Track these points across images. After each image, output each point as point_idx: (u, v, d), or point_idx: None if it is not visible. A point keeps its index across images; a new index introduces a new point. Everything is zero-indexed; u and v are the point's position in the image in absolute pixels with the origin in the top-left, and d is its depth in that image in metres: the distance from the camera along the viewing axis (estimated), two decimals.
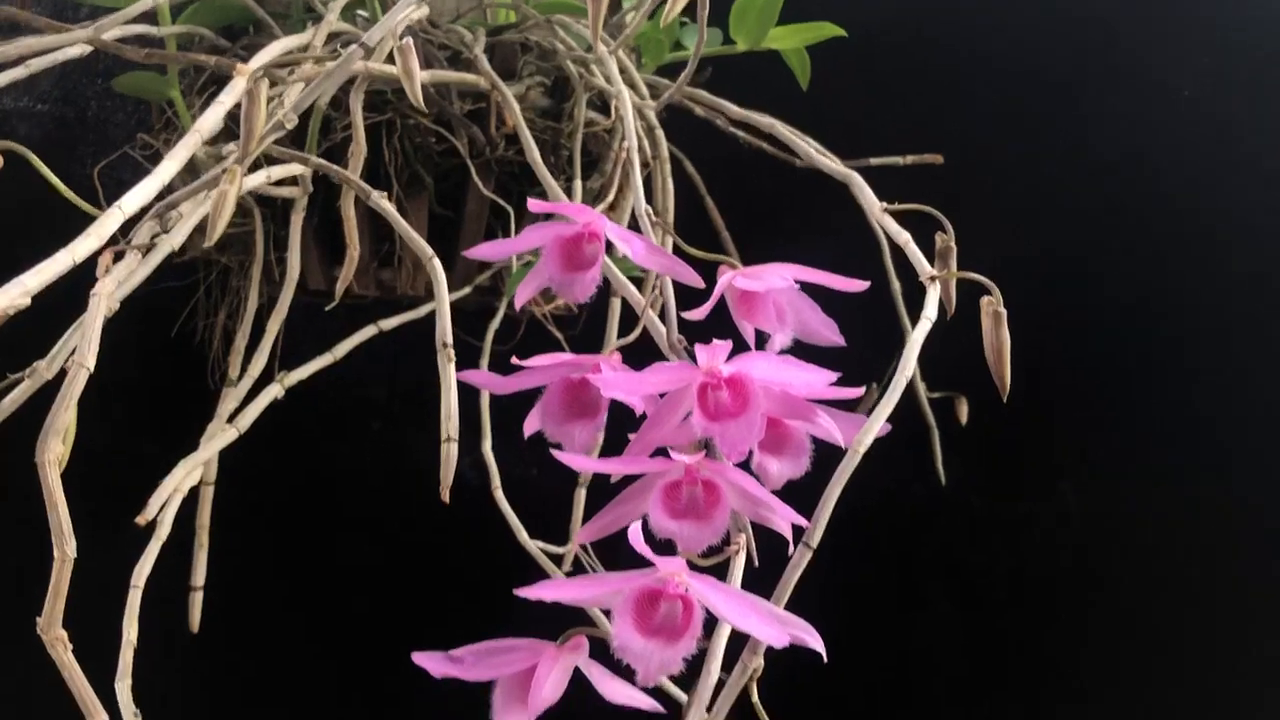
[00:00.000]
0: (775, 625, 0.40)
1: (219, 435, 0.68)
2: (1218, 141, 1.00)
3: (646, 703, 0.49)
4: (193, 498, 0.78)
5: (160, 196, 0.55)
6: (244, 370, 0.73)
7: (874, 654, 1.00)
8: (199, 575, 0.81)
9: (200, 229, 0.86)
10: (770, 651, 0.43)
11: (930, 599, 1.01)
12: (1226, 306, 1.00)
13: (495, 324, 0.83)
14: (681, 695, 0.64)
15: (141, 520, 0.63)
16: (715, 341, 0.46)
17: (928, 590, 1.01)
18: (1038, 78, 1.02)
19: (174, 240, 0.51)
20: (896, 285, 0.90)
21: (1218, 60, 1.02)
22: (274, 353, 0.74)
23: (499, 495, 0.72)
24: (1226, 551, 0.99)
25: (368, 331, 0.76)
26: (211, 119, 0.53)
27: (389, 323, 0.77)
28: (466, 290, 0.80)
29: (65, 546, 0.46)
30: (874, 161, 0.90)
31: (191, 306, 0.88)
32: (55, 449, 0.45)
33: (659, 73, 0.86)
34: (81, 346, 0.45)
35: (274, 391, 0.71)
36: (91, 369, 0.46)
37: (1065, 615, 1.01)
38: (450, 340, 0.51)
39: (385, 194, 0.55)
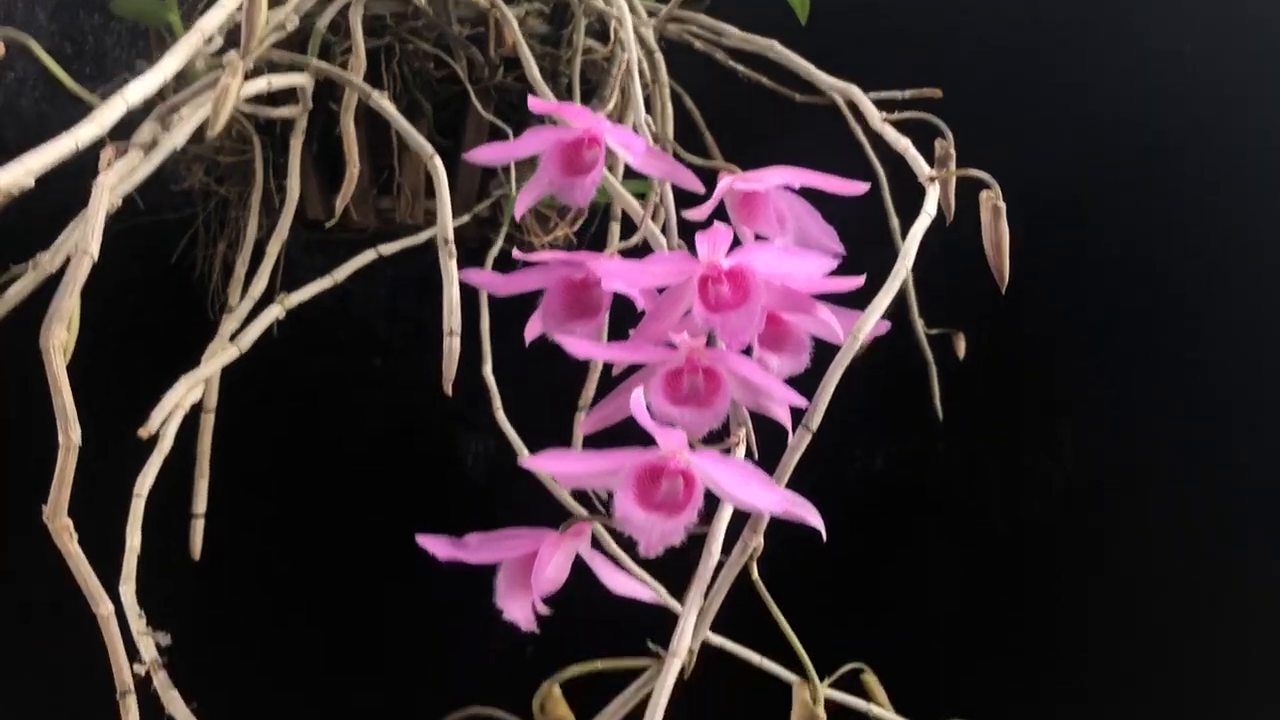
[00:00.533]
0: (775, 492, 0.41)
1: (220, 353, 0.68)
2: (1224, 79, 1.00)
3: (646, 594, 0.50)
4: (194, 425, 0.79)
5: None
6: (244, 294, 0.73)
7: (868, 591, 1.01)
8: (200, 503, 0.82)
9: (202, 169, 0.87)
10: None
11: (926, 537, 1.02)
12: (1230, 247, 1.00)
13: (493, 255, 0.83)
14: (678, 606, 0.65)
15: (144, 433, 0.63)
16: (716, 225, 0.46)
17: (923, 528, 1.02)
18: (1039, 12, 1.02)
19: (175, 139, 0.51)
20: (895, 222, 0.90)
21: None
22: (274, 279, 0.74)
23: (500, 416, 0.72)
24: (1225, 495, 0.99)
25: (367, 255, 0.76)
26: (215, 18, 0.53)
27: (389, 247, 0.77)
28: (465, 218, 0.80)
29: (70, 432, 0.46)
30: (872, 96, 0.90)
31: (189, 239, 0.88)
32: (60, 334, 0.45)
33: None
34: (85, 233, 0.46)
35: (275, 312, 0.71)
36: (95, 256, 0.46)
37: (1061, 555, 1.02)
38: (451, 237, 0.51)
39: (385, 93, 0.54)
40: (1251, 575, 1.00)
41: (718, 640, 0.65)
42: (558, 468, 0.43)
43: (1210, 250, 1.01)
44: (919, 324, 0.94)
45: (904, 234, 0.89)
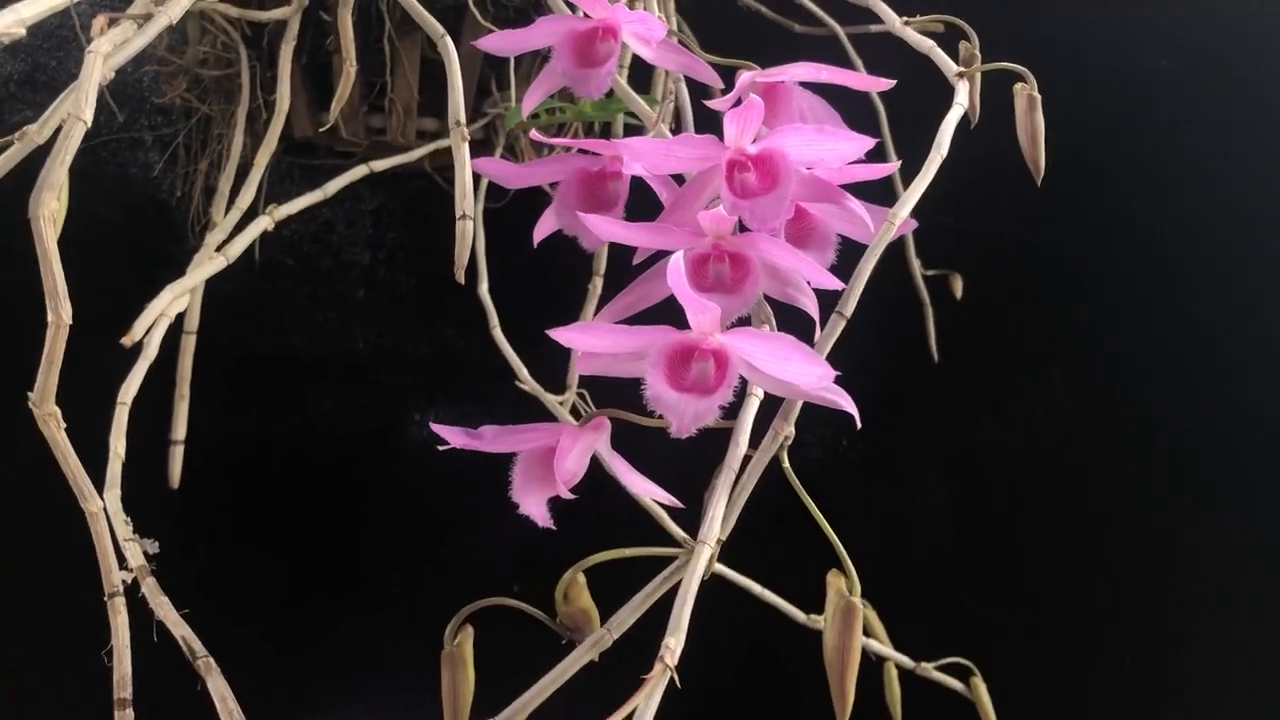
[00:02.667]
0: (819, 365, 0.39)
1: (207, 263, 0.65)
2: (1232, 31, 1.00)
3: (664, 496, 0.48)
4: (174, 343, 0.76)
5: None
6: (230, 205, 0.70)
7: (858, 526, 0.99)
8: (180, 429, 0.79)
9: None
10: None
11: (917, 474, 1.01)
12: (1225, 199, 1.00)
13: (485, 182, 0.80)
14: (689, 539, 0.64)
15: (127, 341, 0.60)
16: (749, 99, 0.44)
17: (915, 465, 1.01)
18: None
19: (171, 12, 0.48)
20: (896, 162, 0.88)
21: None
22: (260, 192, 0.71)
23: (498, 333, 0.70)
24: (1214, 434, 0.99)
25: (359, 171, 0.73)
26: None
27: (380, 164, 0.74)
28: None
29: (60, 310, 0.43)
30: (874, 28, 0.89)
31: (169, 158, 0.85)
32: (50, 204, 0.42)
33: None
34: (78, 99, 0.43)
35: (263, 224, 0.68)
36: (88, 122, 0.43)
37: (1051, 498, 1.01)
38: (464, 119, 0.49)
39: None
40: (1242, 523, 1.00)
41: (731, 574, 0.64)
42: (585, 340, 0.40)
43: (1207, 196, 1.01)
44: (915, 264, 0.93)
45: (903, 173, 0.90)
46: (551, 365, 0.75)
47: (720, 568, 0.64)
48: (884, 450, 0.99)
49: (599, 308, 0.76)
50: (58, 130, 0.44)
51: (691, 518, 0.46)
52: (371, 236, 0.94)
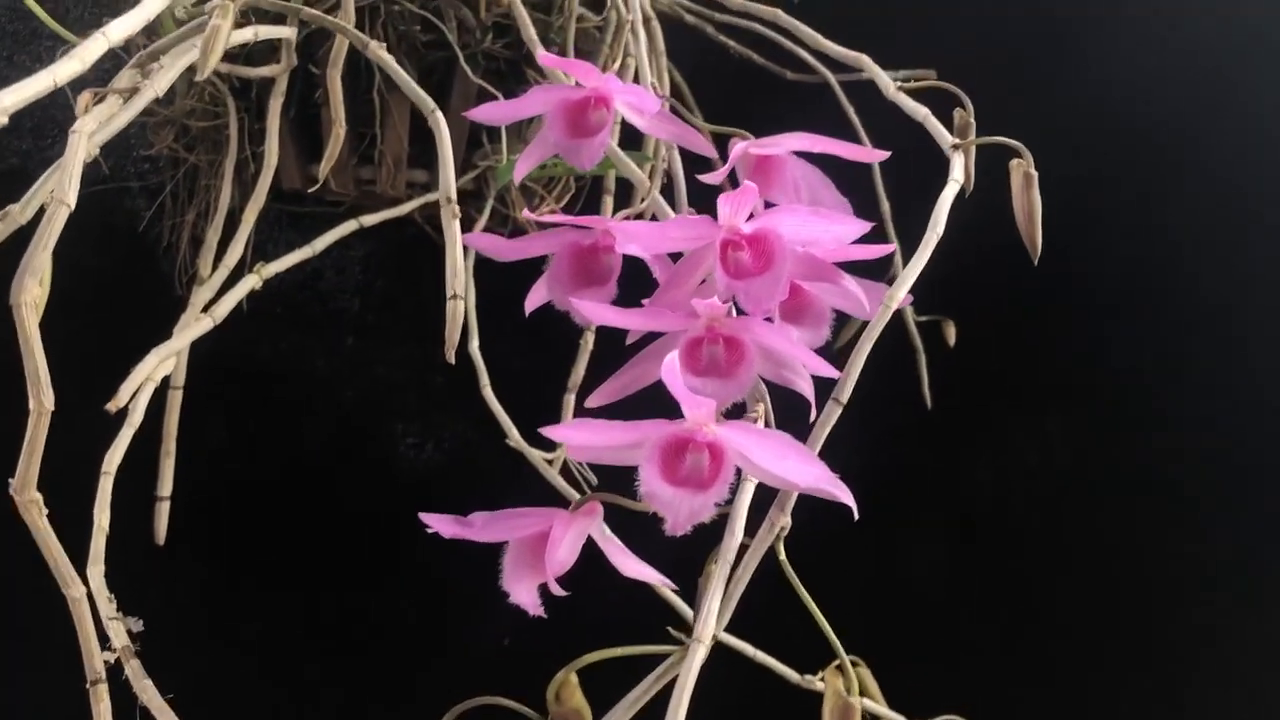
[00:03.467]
0: (814, 465, 0.38)
1: (194, 324, 0.64)
2: (1219, 79, 1.00)
3: (656, 577, 0.47)
4: (160, 403, 0.75)
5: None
6: (217, 264, 0.69)
7: (852, 575, 0.99)
8: (165, 485, 0.78)
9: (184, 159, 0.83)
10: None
11: (915, 524, 1.00)
12: (1224, 242, 1.00)
13: (479, 230, 0.80)
14: (687, 610, 0.63)
15: (112, 407, 0.59)
16: (743, 185, 0.43)
17: (913, 515, 1.00)
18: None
19: (157, 85, 0.48)
20: (886, 206, 0.88)
21: None
22: (248, 248, 0.71)
23: (488, 393, 0.69)
24: (1216, 490, 0.99)
25: (348, 226, 0.73)
26: None
27: (370, 219, 0.74)
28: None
29: (42, 397, 0.42)
30: (866, 76, 0.88)
31: (157, 209, 0.84)
32: (32, 290, 0.41)
33: None
34: (61, 182, 0.42)
35: (251, 282, 0.67)
36: (72, 206, 0.43)
37: (1047, 544, 1.01)
38: (454, 196, 0.48)
39: (382, 44, 0.51)
40: (1242, 569, 0.99)
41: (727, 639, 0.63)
42: (577, 438, 0.40)
43: (1204, 245, 1.00)
44: (909, 311, 0.92)
45: (895, 220, 0.89)
46: (544, 415, 0.74)
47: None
48: (877, 498, 0.98)
49: (590, 362, 0.76)
50: (41, 211, 0.44)
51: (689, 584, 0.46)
52: (361, 283, 0.93)
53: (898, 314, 0.90)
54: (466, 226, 0.80)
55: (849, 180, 0.59)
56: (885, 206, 0.88)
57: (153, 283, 0.84)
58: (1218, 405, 1.00)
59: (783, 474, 0.39)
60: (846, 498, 0.40)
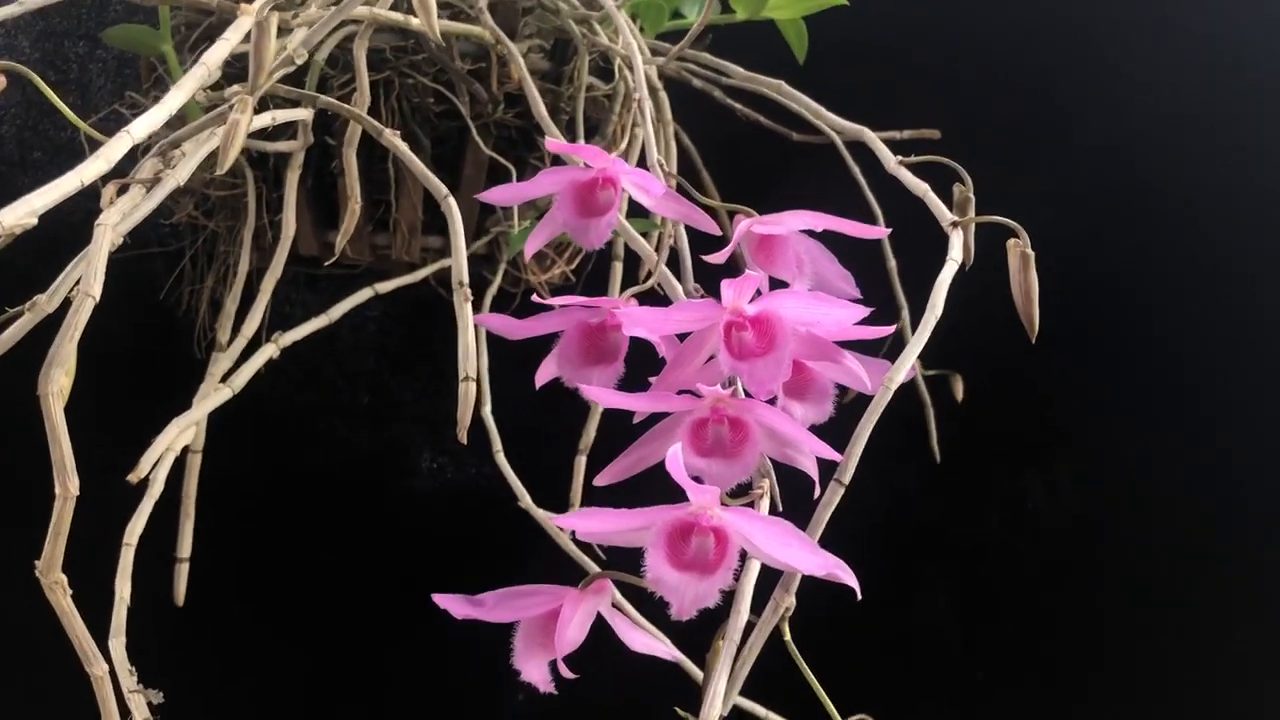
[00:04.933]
0: (817, 555, 0.39)
1: (213, 394, 0.66)
2: (1214, 123, 1.01)
3: (667, 652, 0.48)
4: (179, 468, 0.76)
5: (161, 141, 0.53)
6: (235, 333, 0.71)
7: (861, 629, 0.99)
8: (184, 546, 0.79)
9: (191, 193, 0.84)
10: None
11: (925, 579, 1.01)
12: (1232, 286, 1.00)
13: (491, 294, 0.81)
14: (698, 672, 0.63)
15: (133, 477, 0.61)
16: (746, 273, 0.44)
17: (922, 570, 1.01)
18: (1038, 55, 1.02)
19: (179, 175, 0.49)
20: (893, 263, 0.89)
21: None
22: (266, 316, 0.72)
23: (500, 459, 0.70)
24: (1226, 533, 0.99)
25: (364, 294, 0.74)
26: (218, 54, 0.51)
27: (384, 286, 0.75)
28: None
29: (68, 483, 0.44)
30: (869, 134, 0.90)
31: (177, 274, 0.86)
32: (59, 380, 0.43)
33: (658, 40, 0.85)
34: (87, 275, 0.44)
35: (269, 351, 0.69)
36: (97, 298, 0.44)
37: (1061, 596, 1.01)
38: (466, 279, 0.50)
39: (396, 132, 0.53)
40: (1260, 614, 0.99)
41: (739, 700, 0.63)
42: (585, 526, 0.41)
43: (1212, 289, 1.01)
44: (918, 366, 0.93)
45: (900, 275, 0.90)
46: (558, 475, 0.75)
47: None
48: (886, 552, 0.99)
49: (602, 424, 0.77)
50: (67, 301, 0.45)
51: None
52: (376, 343, 0.95)
53: None
54: (481, 287, 0.82)
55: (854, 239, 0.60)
56: (893, 264, 0.89)
57: (172, 347, 0.86)
58: (1226, 451, 1.00)
59: (786, 561, 0.40)
60: (850, 580, 0.41)
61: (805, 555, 0.39)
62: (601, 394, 0.45)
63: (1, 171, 0.89)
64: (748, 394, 0.46)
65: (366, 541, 0.95)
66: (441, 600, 0.44)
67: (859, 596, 0.42)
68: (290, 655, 0.93)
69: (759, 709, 0.66)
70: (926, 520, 1.00)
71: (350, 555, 0.94)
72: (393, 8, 0.62)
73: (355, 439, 0.94)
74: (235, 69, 0.66)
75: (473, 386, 0.47)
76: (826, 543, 0.44)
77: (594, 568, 0.61)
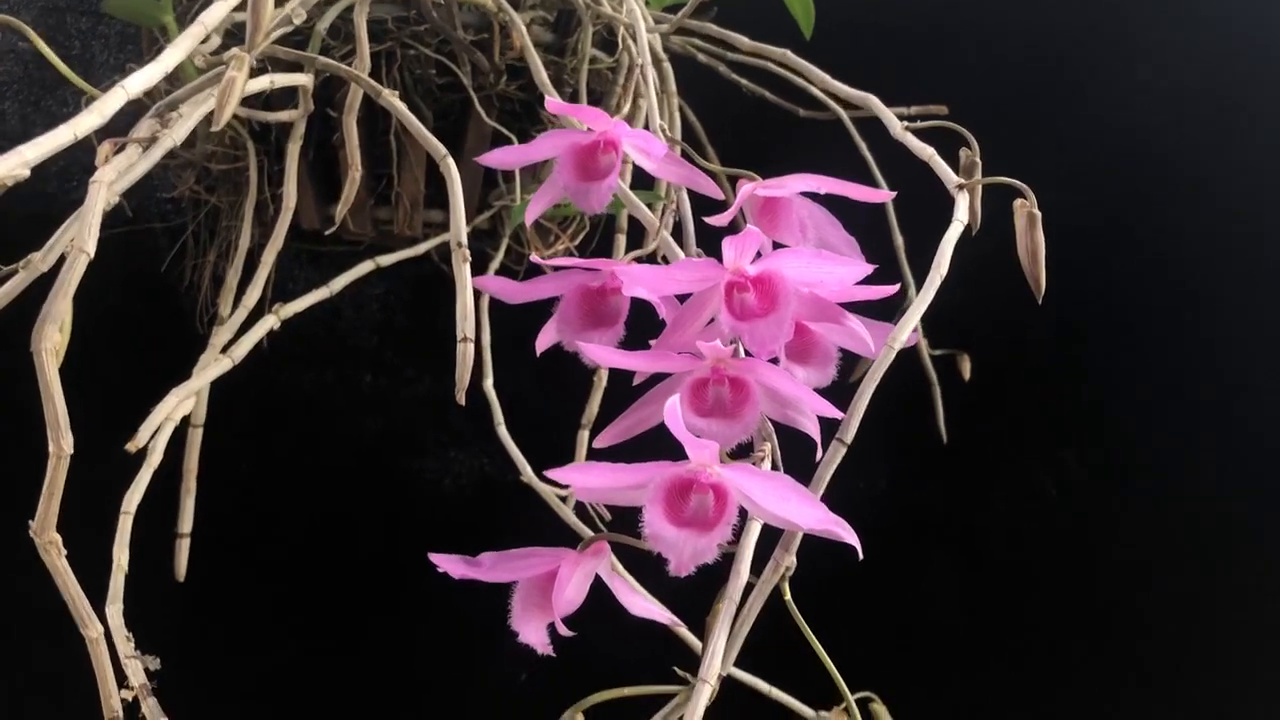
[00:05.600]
0: (816, 508, 0.39)
1: (213, 365, 0.65)
2: (1233, 104, 1.00)
3: (665, 616, 0.48)
4: (181, 442, 0.76)
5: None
6: (236, 305, 0.70)
7: (867, 611, 0.98)
8: (185, 521, 0.79)
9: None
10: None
11: (929, 560, 1.00)
12: (1241, 274, 0.99)
13: (494, 269, 0.81)
14: (697, 643, 0.63)
15: (132, 446, 0.60)
16: (747, 229, 0.44)
17: (927, 551, 1.00)
18: (1049, 33, 1.01)
19: (176, 134, 0.49)
20: (899, 240, 0.89)
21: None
22: (267, 288, 0.72)
23: (502, 430, 0.69)
24: (1232, 521, 0.98)
25: (365, 267, 0.74)
26: (217, 12, 0.50)
27: (387, 259, 0.75)
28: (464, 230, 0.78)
29: (62, 441, 0.43)
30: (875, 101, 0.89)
31: (178, 249, 0.86)
32: (53, 336, 0.43)
33: (665, 13, 0.84)
34: (81, 232, 0.43)
35: (269, 323, 0.68)
36: (91, 254, 0.44)
37: (1064, 581, 1.00)
38: (465, 240, 0.49)
39: (395, 92, 0.52)
40: (1265, 601, 0.98)
41: (737, 673, 0.63)
42: (583, 480, 0.40)
43: (1219, 276, 1.00)
44: (924, 344, 0.92)
45: (908, 253, 0.89)
46: (560, 450, 0.74)
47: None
48: (892, 533, 0.98)
49: (605, 398, 0.76)
50: (62, 259, 0.45)
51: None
52: (379, 320, 0.94)
53: (913, 348, 0.91)
54: (483, 263, 0.81)
55: (863, 215, 0.59)
56: (899, 240, 0.88)
57: (174, 322, 0.85)
58: (1235, 438, 0.99)
59: (785, 516, 0.39)
60: (850, 538, 0.41)
61: (805, 509, 0.38)
62: (602, 353, 0.44)
63: (4, 146, 0.89)
64: (749, 354, 0.46)
65: (369, 519, 0.94)
66: (439, 560, 0.44)
67: (860, 555, 0.41)
68: (292, 632, 0.93)
69: (760, 683, 0.66)
70: (932, 500, 0.99)
71: (353, 533, 0.94)
72: None
73: (358, 417, 0.94)
74: (239, 38, 0.65)
75: (470, 348, 0.46)
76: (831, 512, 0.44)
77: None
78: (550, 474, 0.39)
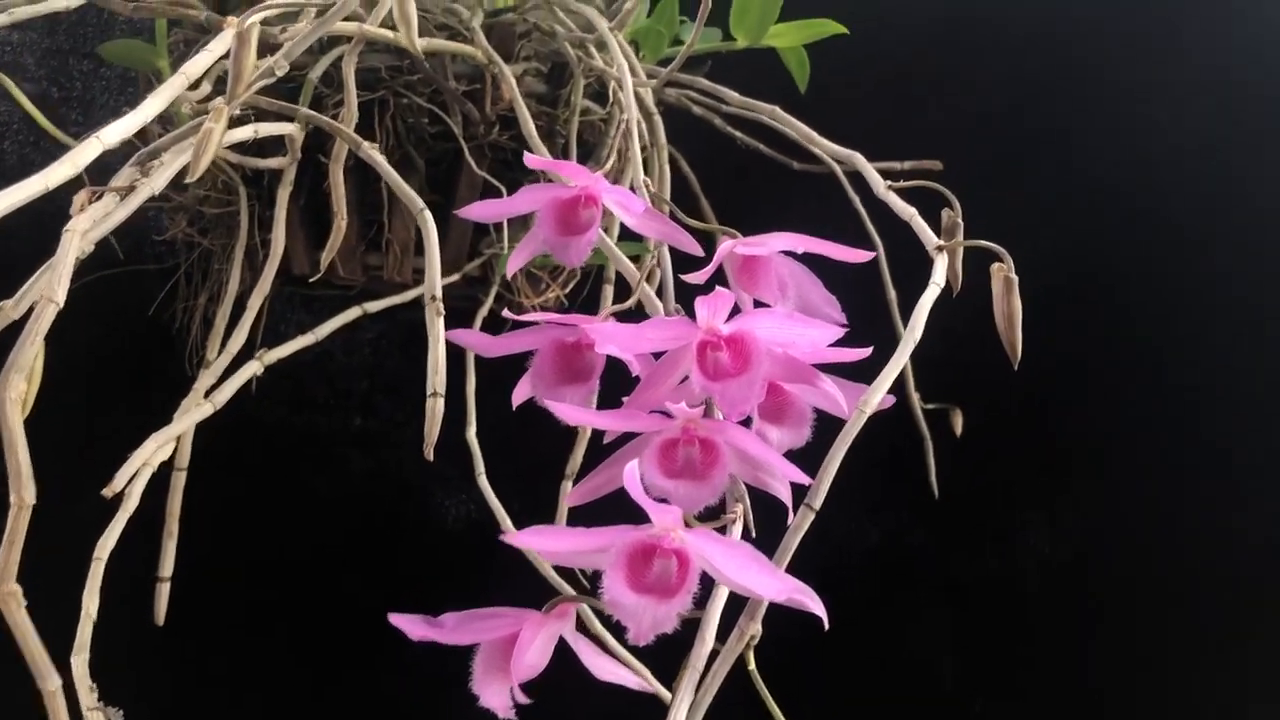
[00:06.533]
0: (777, 579, 0.38)
1: (194, 410, 0.65)
2: (1222, 152, 1.00)
3: (633, 681, 0.47)
4: (164, 484, 0.76)
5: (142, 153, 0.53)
6: (223, 349, 0.70)
7: (859, 671, 0.97)
8: (166, 565, 0.78)
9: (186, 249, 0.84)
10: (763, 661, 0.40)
11: (921, 611, 0.99)
12: (1227, 323, 0.99)
13: (482, 316, 0.81)
14: (666, 694, 0.62)
15: (108, 492, 0.60)
16: (717, 289, 0.43)
17: (917, 606, 0.99)
18: (1040, 81, 1.01)
19: (154, 184, 0.49)
20: (892, 294, 0.88)
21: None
22: (254, 334, 0.72)
23: (483, 482, 0.69)
24: (1223, 572, 0.97)
25: (352, 313, 0.74)
26: (201, 62, 0.51)
27: (374, 305, 0.75)
28: (455, 277, 0.78)
29: (23, 492, 0.43)
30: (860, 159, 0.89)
31: (169, 289, 0.86)
32: (18, 386, 0.42)
33: (658, 66, 0.85)
34: (51, 281, 0.43)
35: (253, 368, 0.68)
36: (60, 304, 0.44)
37: (1057, 629, 0.99)
38: (439, 293, 0.49)
39: (375, 145, 0.52)
40: (1258, 656, 0.97)
41: None
42: (543, 545, 0.40)
43: (1206, 326, 1.00)
44: (915, 398, 0.92)
45: (901, 306, 0.89)
46: (546, 500, 0.74)
47: None
48: (884, 588, 0.97)
49: (590, 448, 0.76)
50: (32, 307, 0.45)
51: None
52: (370, 364, 0.94)
53: (904, 403, 0.91)
54: (473, 308, 0.81)
55: (854, 267, 0.59)
56: (892, 295, 0.88)
57: (165, 363, 0.85)
58: (1226, 490, 0.98)
59: (748, 585, 0.38)
60: (817, 608, 0.40)
61: (766, 580, 0.38)
62: (571, 411, 0.44)
63: (2, 187, 0.90)
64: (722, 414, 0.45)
65: (354, 564, 0.94)
66: (398, 621, 0.43)
67: (826, 625, 0.40)
68: (274, 677, 0.92)
69: None
70: (923, 555, 0.98)
71: (338, 578, 0.93)
72: (384, 25, 0.62)
73: (346, 461, 0.94)
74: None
75: (440, 403, 0.46)
76: (816, 574, 0.43)
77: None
78: (509, 538, 0.39)
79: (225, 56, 0.53)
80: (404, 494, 0.93)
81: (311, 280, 0.85)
